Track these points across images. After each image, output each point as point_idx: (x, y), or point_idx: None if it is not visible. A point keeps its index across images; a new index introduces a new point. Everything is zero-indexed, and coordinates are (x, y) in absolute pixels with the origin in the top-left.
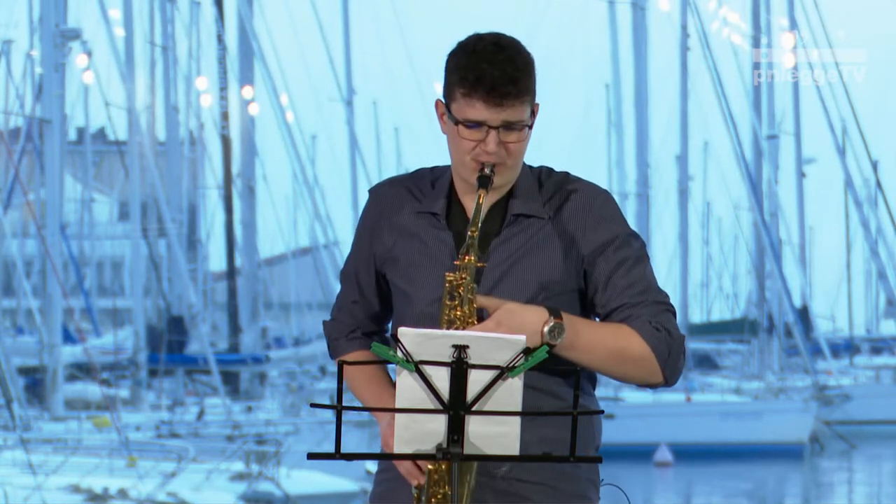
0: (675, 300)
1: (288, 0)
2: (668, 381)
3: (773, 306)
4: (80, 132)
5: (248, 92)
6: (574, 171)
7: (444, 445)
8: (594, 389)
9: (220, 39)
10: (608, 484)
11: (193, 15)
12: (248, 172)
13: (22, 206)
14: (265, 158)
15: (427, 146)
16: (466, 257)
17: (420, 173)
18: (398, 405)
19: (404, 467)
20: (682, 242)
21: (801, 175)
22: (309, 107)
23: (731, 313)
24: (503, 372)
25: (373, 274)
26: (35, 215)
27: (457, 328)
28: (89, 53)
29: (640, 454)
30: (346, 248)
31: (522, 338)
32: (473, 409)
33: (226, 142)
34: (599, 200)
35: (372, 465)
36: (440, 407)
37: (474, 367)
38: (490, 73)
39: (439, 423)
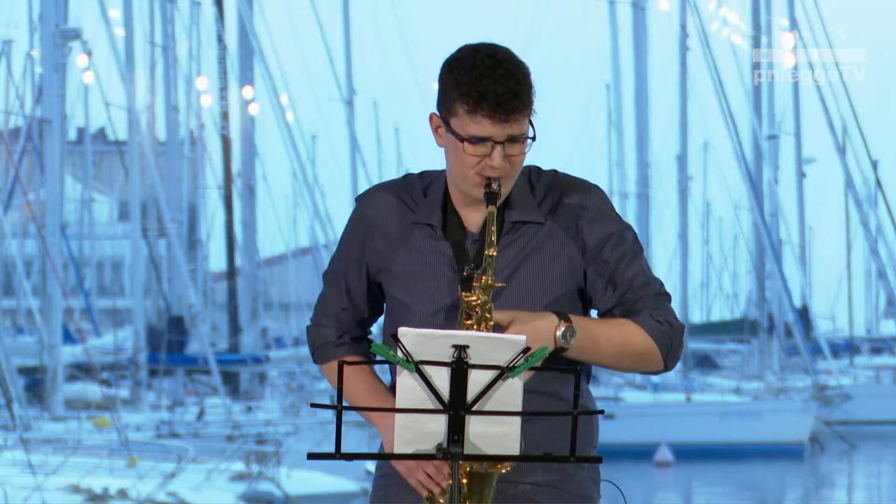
0: (675, 300)
1: (288, 0)
2: (668, 368)
3: (773, 306)
4: (80, 132)
5: (248, 92)
6: (574, 172)
7: (445, 445)
8: (588, 382)
9: (220, 39)
10: (605, 481)
11: (193, 15)
12: (248, 172)
13: (22, 206)
14: (265, 158)
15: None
16: (483, 278)
17: (409, 179)
18: (398, 405)
19: (405, 467)
20: (682, 242)
21: (801, 175)
22: (309, 107)
23: (731, 313)
24: (503, 372)
25: (364, 280)
26: (35, 215)
27: None
28: (89, 53)
29: (640, 454)
30: None
31: (522, 338)
32: (474, 409)
33: (226, 142)
34: (592, 198)
35: (372, 465)
36: (440, 407)
37: (474, 367)
38: (493, 89)
39: (439, 423)
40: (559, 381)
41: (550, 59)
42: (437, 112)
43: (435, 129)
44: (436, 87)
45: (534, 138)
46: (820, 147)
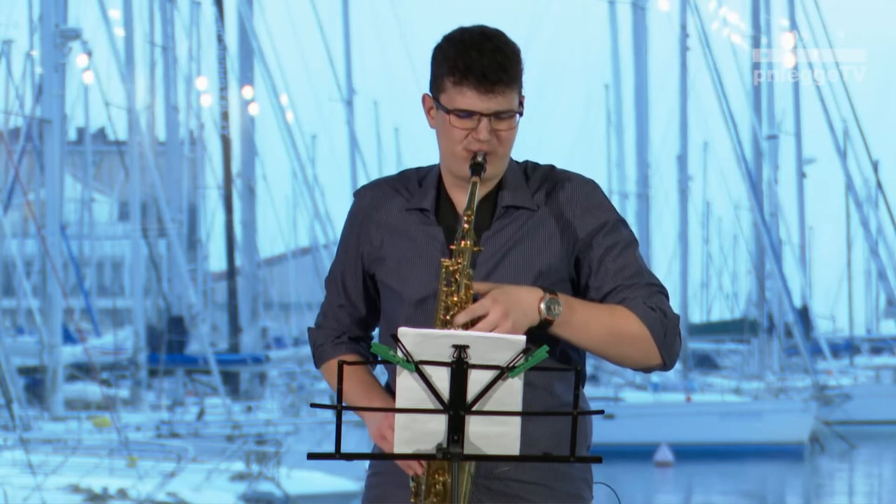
0: (674, 300)
1: (288, 0)
2: (666, 362)
3: (773, 306)
4: (80, 132)
5: (248, 92)
6: (574, 171)
7: (444, 445)
8: (583, 387)
9: (220, 39)
10: (599, 483)
11: (193, 15)
12: (248, 172)
13: (22, 206)
14: (265, 158)
15: (427, 146)
16: (463, 242)
17: (406, 174)
18: (398, 405)
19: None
20: (682, 242)
21: (801, 175)
22: (309, 107)
23: (731, 313)
24: (503, 372)
25: (360, 277)
26: (35, 215)
27: (454, 314)
28: (89, 53)
29: (640, 454)
30: None
31: (522, 338)
32: (473, 409)
33: (226, 142)
34: (587, 189)
35: None
36: (440, 407)
37: (474, 367)
38: (479, 60)
39: (439, 423)
40: (553, 376)
41: (550, 59)
42: (429, 93)
43: (427, 111)
44: None
45: (521, 113)
46: (820, 147)
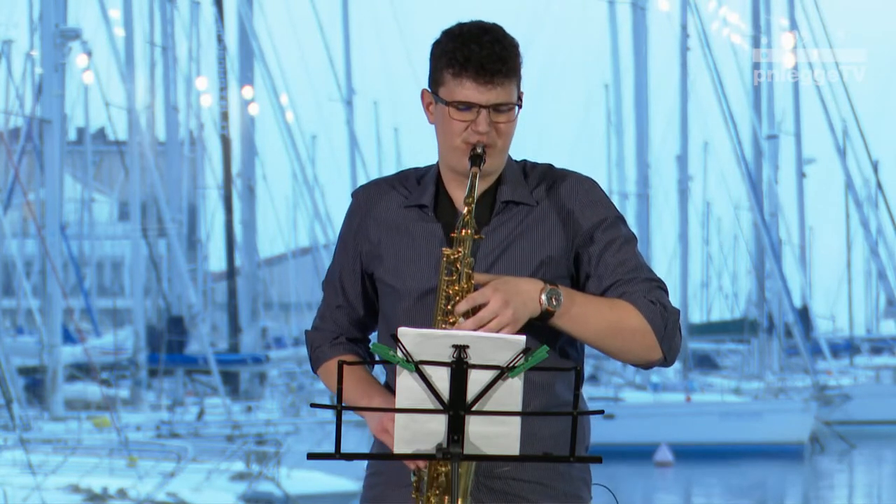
0: (675, 300)
1: (288, 0)
2: (667, 357)
3: (773, 306)
4: (80, 132)
5: (248, 92)
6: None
7: (444, 445)
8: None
9: (220, 39)
10: (597, 484)
11: (193, 15)
12: (248, 172)
13: (22, 206)
14: (265, 158)
15: (427, 146)
16: (464, 231)
17: (404, 173)
18: (398, 405)
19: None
20: (682, 242)
21: (801, 175)
22: (309, 107)
23: (730, 313)
24: (503, 372)
25: (358, 277)
26: (35, 215)
27: (455, 303)
28: (89, 53)
29: (640, 454)
30: None
31: (522, 338)
32: (473, 409)
33: (226, 142)
34: (588, 185)
35: None
36: (440, 407)
37: (474, 367)
38: (478, 52)
39: (439, 423)
40: (554, 375)
41: (550, 59)
42: (428, 89)
43: (426, 107)
44: None
45: (519, 107)
46: (820, 147)
